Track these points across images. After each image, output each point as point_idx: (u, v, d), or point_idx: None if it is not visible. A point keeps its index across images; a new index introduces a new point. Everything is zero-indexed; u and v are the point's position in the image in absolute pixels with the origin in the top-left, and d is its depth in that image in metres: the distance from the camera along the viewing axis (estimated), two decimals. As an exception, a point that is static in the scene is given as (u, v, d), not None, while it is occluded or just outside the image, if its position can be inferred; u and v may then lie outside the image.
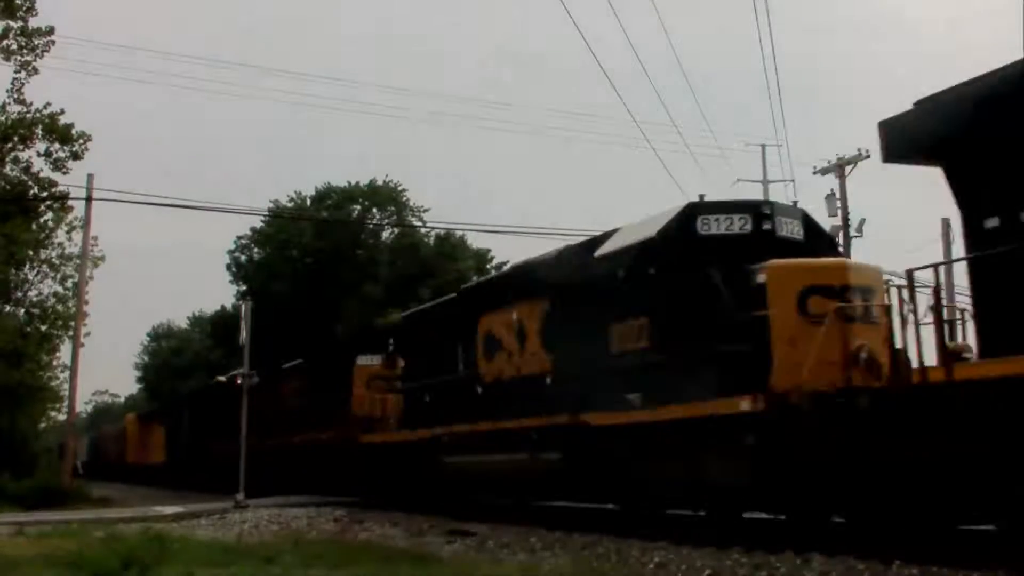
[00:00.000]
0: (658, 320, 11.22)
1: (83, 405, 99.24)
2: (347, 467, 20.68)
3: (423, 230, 44.47)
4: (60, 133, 25.17)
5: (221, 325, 49.61)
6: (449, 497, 16.72)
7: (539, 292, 14.09)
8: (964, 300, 10.38)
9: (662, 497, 11.78)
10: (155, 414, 45.31)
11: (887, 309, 10.03)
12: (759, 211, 11.50)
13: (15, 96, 25.11)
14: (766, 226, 11.34)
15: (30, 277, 31.47)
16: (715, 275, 10.59)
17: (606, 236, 12.95)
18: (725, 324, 10.30)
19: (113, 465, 52.50)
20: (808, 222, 11.97)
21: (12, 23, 24.61)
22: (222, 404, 29.00)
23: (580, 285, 12.94)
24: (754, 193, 33.51)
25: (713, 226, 11.31)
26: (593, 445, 12.18)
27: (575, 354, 12.86)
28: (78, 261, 28.55)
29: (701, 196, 12.06)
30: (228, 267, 48.82)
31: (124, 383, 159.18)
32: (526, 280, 14.80)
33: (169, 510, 18.51)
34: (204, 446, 31.88)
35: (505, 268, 16.35)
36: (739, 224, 11.34)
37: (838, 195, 28.98)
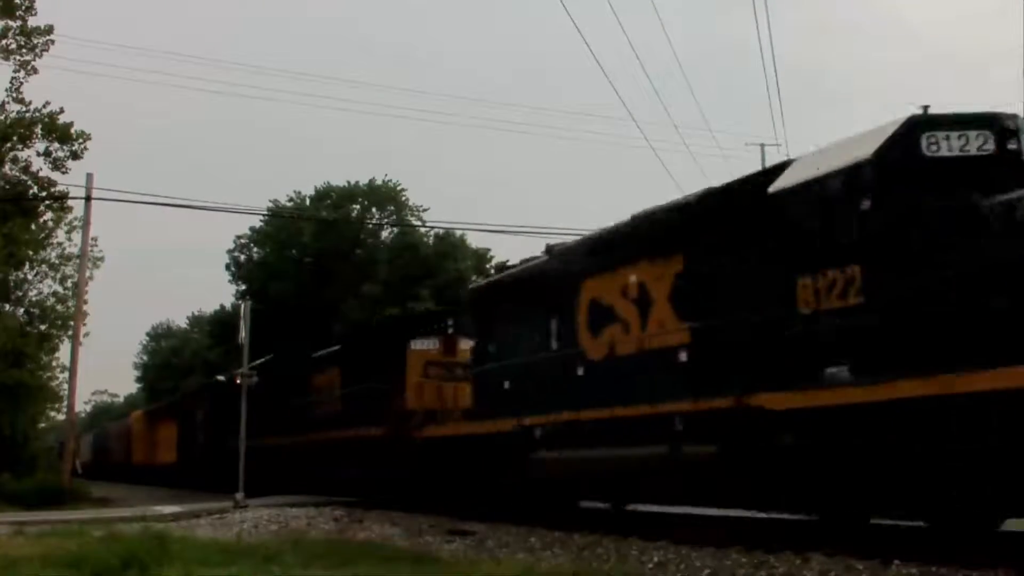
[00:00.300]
0: (879, 268, 8.72)
1: (82, 405, 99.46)
2: (401, 466, 18.14)
3: (422, 230, 44.47)
4: (60, 132, 25.16)
5: (220, 324, 49.55)
6: (542, 501, 14.26)
7: (670, 247, 11.58)
8: None
9: (881, 502, 9.05)
10: (165, 410, 42.06)
11: None
12: (1002, 126, 9.05)
13: (14, 95, 25.14)
14: (1011, 145, 8.96)
15: (29, 277, 31.48)
16: (979, 203, 8.30)
17: (777, 170, 10.36)
18: (988, 269, 8.04)
19: (118, 465, 50.47)
20: None
21: (11, 22, 24.62)
22: (251, 395, 27.24)
23: (739, 233, 10.43)
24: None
25: (943, 145, 8.89)
26: (769, 435, 9.60)
27: (733, 320, 10.28)
28: (77, 261, 28.55)
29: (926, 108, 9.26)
30: (227, 267, 48.84)
31: (123, 383, 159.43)
32: (650, 234, 12.14)
33: (168, 510, 18.51)
34: (224, 444, 28.63)
35: (616, 223, 13.36)
36: (977, 143, 8.93)
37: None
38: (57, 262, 31.45)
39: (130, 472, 46.02)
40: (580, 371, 13.02)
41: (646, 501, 13.33)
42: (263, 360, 26.99)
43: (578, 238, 14.47)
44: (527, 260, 15.68)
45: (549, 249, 14.95)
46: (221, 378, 29.52)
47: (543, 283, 14.47)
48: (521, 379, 14.48)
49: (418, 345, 19.23)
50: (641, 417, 11.42)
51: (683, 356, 11.05)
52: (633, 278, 12.17)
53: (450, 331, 18.98)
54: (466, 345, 18.12)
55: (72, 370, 27.48)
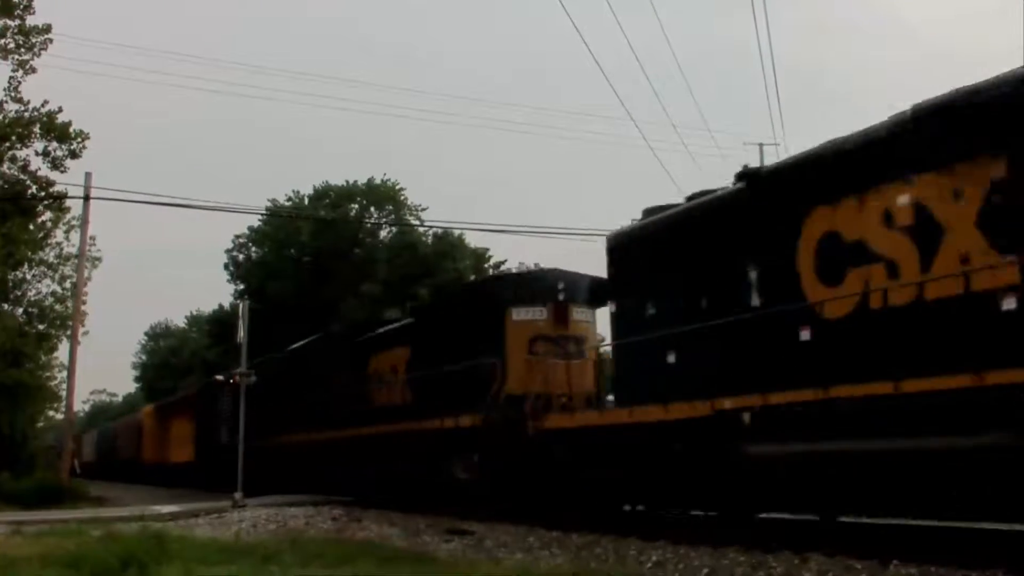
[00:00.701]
0: None
1: (81, 404, 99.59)
2: (505, 464, 14.84)
3: (421, 229, 44.47)
4: (58, 131, 25.13)
5: (219, 324, 49.51)
6: (749, 508, 11.02)
7: (981, 149, 8.30)
8: None
9: None
10: (181, 404, 38.03)
11: None
12: None
13: (12, 95, 25.10)
14: None
15: (28, 277, 31.50)
16: None
17: None
18: None
19: (126, 464, 47.93)
20: None
21: (9, 21, 24.58)
22: (284, 384, 24.00)
23: None
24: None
25: None
26: None
27: None
28: (76, 261, 28.57)
29: None
30: (226, 266, 48.82)
31: (122, 382, 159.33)
32: (940, 133, 8.72)
33: (167, 509, 18.49)
34: (252, 441, 24.49)
35: (865, 128, 9.61)
36: None
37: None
38: (55, 262, 31.54)
39: (140, 471, 43.69)
40: (805, 334, 9.81)
41: (961, 516, 9.02)
42: (303, 343, 25.12)
43: (796, 155, 10.63)
44: (698, 195, 12.29)
45: (746, 173, 11.31)
46: (222, 373, 28.74)
47: (735, 219, 11.08)
48: (700, 349, 11.13)
49: (521, 314, 15.63)
50: (957, 392, 8.07)
51: (1009, 303, 7.97)
52: (904, 199, 8.93)
53: (561, 297, 15.55)
54: (581, 315, 15.57)
55: (71, 369, 27.52)
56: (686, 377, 11.26)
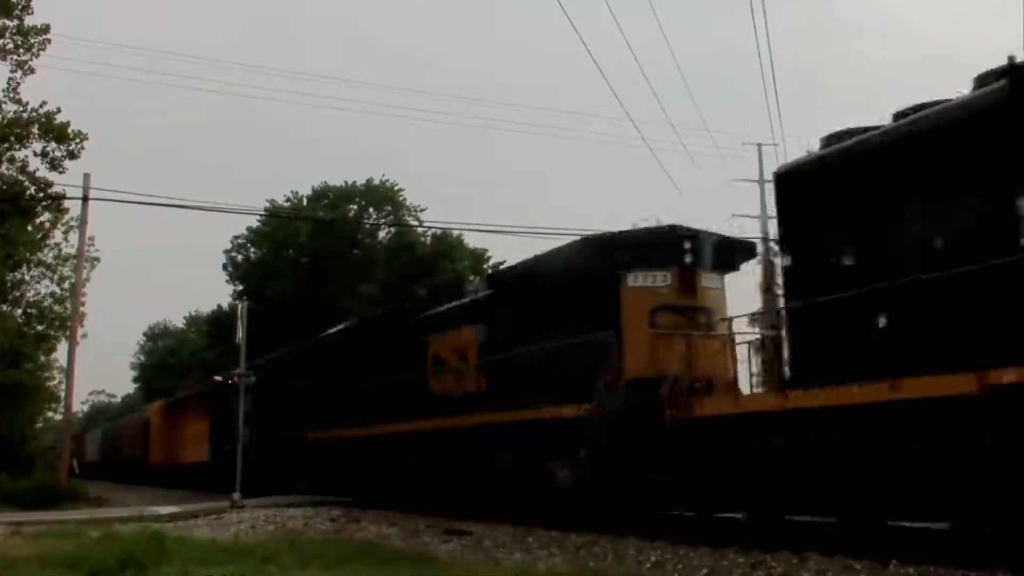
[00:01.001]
0: None
1: (80, 405, 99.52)
2: (636, 464, 12.13)
3: (419, 229, 44.50)
4: (56, 132, 25.09)
5: (218, 324, 49.55)
6: None
7: None
8: None
9: None
10: (193, 400, 35.65)
11: None
12: None
13: (11, 96, 25.07)
14: None
15: (27, 278, 31.47)
16: None
17: None
18: None
19: (131, 465, 45.92)
20: None
21: (8, 21, 24.55)
22: (321, 376, 22.13)
23: None
24: (751, 191, 33.83)
25: None
26: None
27: None
28: (74, 261, 28.55)
29: None
30: (225, 267, 48.86)
31: (121, 383, 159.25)
32: None
33: (165, 510, 18.49)
34: (278, 438, 23.06)
35: None
36: None
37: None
38: (54, 262, 31.51)
39: (146, 472, 41.45)
40: None
41: None
42: (343, 326, 23.49)
43: None
44: (914, 110, 9.47)
45: (1011, 68, 8.40)
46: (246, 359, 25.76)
47: (990, 133, 8.38)
48: (939, 308, 8.51)
49: (639, 280, 13.17)
50: None
51: None
52: None
53: (687, 259, 13.17)
54: (709, 281, 13.39)
55: (69, 370, 27.45)
56: (913, 344, 8.68)
